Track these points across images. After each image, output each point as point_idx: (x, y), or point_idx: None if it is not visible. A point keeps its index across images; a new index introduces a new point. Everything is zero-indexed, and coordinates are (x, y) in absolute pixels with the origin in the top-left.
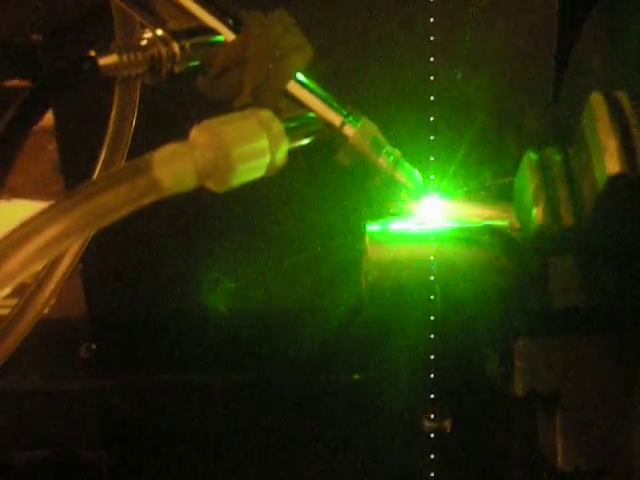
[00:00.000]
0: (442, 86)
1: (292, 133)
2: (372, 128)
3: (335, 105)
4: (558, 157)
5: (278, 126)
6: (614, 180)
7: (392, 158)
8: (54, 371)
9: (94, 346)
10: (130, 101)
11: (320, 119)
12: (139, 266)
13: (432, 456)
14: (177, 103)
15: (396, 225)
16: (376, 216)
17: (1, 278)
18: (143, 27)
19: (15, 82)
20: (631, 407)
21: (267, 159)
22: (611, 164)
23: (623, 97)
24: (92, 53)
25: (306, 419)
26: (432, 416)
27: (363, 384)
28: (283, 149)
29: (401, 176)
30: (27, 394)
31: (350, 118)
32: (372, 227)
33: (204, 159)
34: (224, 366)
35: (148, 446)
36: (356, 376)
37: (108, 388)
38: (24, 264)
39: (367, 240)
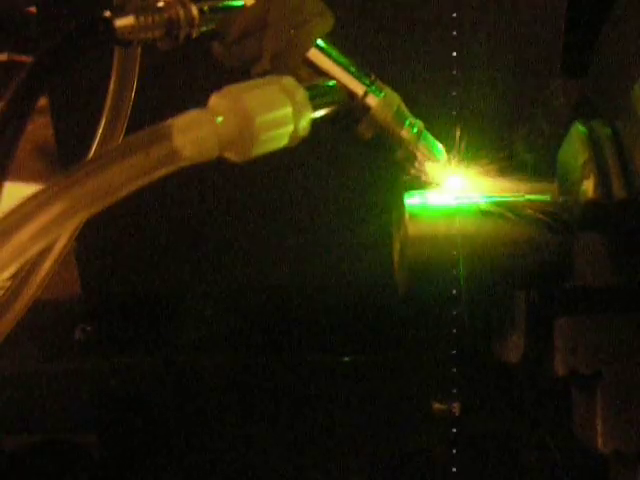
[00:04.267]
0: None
1: (314, 102)
2: (395, 99)
3: (358, 74)
4: (607, 130)
5: (302, 93)
6: None
7: (415, 130)
8: (48, 353)
9: (89, 328)
10: (130, 68)
11: (342, 88)
12: (134, 247)
13: (440, 439)
14: (189, 70)
15: (435, 199)
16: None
17: (7, 255)
18: None
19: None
20: None
21: (290, 128)
22: None
23: None
24: (107, 14)
25: (299, 400)
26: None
27: (362, 365)
28: (307, 118)
29: (424, 148)
30: (21, 376)
31: (373, 88)
32: (411, 200)
33: (226, 127)
34: (218, 347)
35: (142, 428)
36: (358, 357)
37: (103, 370)
38: (32, 240)
39: (406, 214)
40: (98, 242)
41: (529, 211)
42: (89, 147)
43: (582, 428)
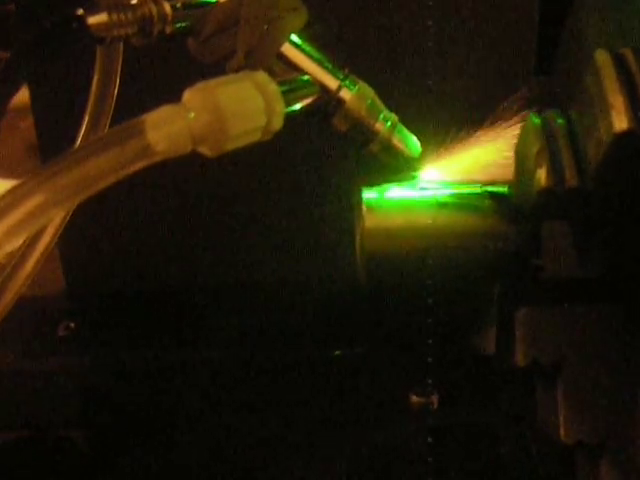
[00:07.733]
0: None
1: (288, 96)
2: (369, 92)
3: (331, 68)
4: (560, 120)
5: (274, 88)
6: (621, 137)
7: (389, 123)
8: (32, 350)
9: (72, 324)
10: (113, 65)
11: (316, 82)
12: (118, 243)
13: (419, 432)
14: (165, 66)
15: (393, 192)
16: (371, 183)
17: None
18: None
19: None
20: (634, 379)
21: (263, 122)
22: (618, 121)
23: (629, 53)
24: (80, 12)
25: (288, 395)
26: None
27: (348, 359)
28: (279, 112)
29: (398, 142)
30: (4, 373)
31: (347, 82)
32: (368, 194)
33: (199, 122)
34: (204, 343)
35: (127, 425)
36: (339, 351)
37: (86, 367)
38: (7, 234)
39: (363, 207)
40: (82, 238)
41: (487, 202)
42: (72, 143)
43: (545, 419)
